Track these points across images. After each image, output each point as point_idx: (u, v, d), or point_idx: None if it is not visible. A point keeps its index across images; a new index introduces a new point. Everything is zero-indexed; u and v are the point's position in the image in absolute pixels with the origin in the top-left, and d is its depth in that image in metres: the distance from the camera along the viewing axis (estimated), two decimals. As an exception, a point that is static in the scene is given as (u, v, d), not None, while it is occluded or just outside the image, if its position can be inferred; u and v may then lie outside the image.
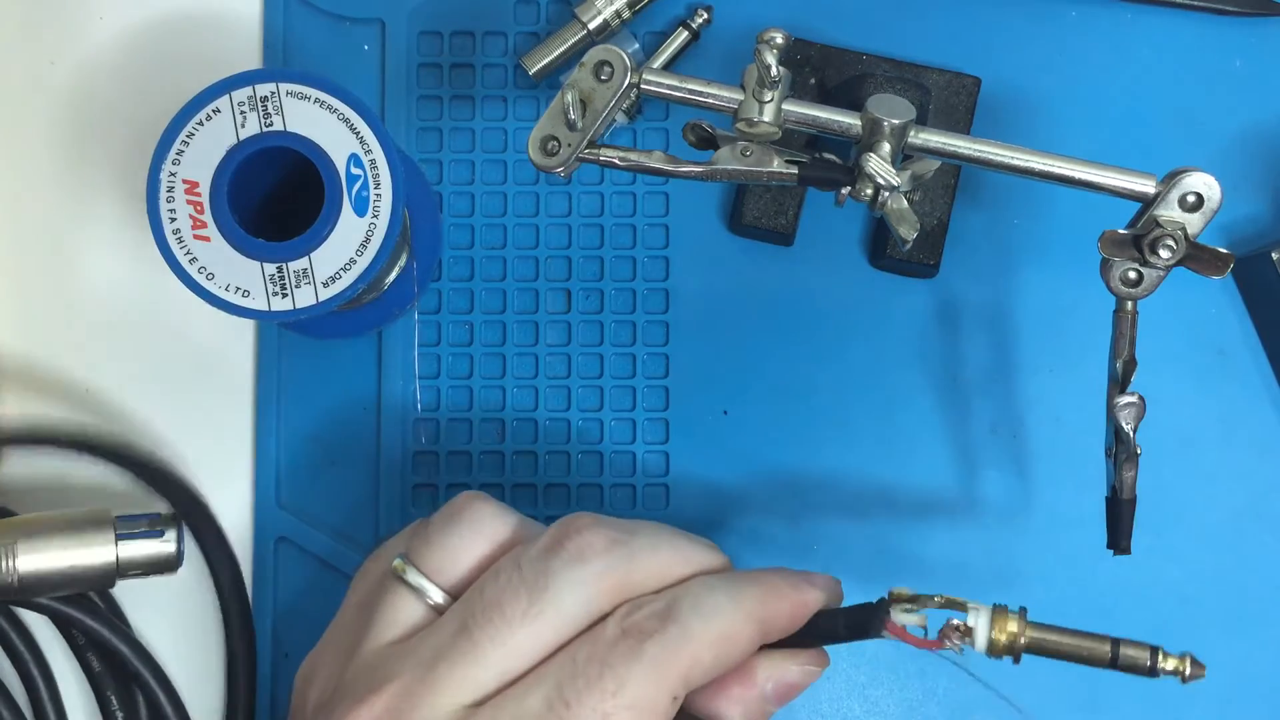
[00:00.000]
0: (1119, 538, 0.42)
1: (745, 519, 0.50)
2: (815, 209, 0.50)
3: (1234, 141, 0.51)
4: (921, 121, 0.47)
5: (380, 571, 0.42)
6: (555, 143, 0.42)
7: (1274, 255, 0.48)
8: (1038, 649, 0.37)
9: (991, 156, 0.42)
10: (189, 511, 0.49)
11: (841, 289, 0.51)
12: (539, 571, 0.38)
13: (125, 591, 0.49)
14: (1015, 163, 0.42)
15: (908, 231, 0.44)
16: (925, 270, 0.50)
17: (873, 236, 0.51)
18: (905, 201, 0.44)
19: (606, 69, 0.41)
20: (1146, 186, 0.41)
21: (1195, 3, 0.51)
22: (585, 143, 0.42)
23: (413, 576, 0.40)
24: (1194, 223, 0.41)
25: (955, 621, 0.37)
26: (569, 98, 0.41)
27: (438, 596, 0.40)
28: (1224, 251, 0.41)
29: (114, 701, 0.48)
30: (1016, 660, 0.37)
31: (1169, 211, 0.41)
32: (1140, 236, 0.41)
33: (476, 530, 0.41)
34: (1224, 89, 0.51)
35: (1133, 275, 0.42)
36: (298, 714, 0.41)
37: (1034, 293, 0.50)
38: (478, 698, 0.37)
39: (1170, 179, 0.41)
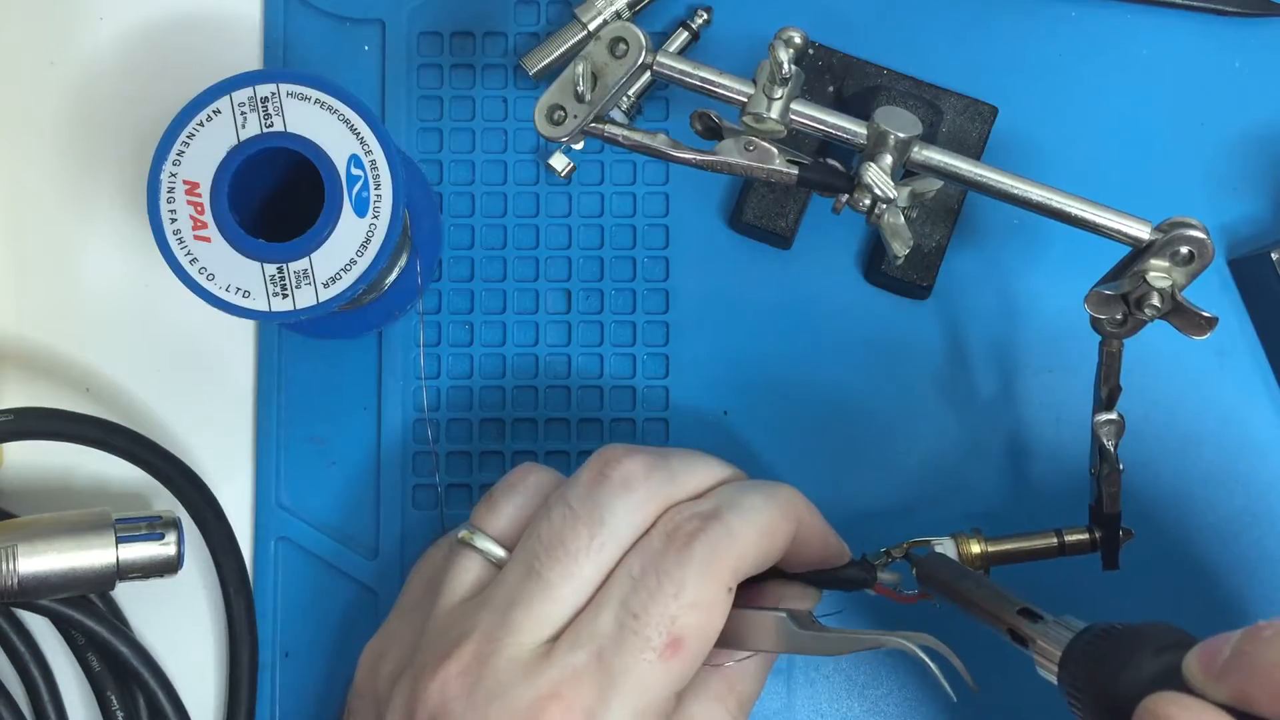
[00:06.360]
0: (1107, 553, 0.42)
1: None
2: (816, 216, 0.50)
3: (1234, 141, 0.51)
4: (930, 140, 0.46)
5: (442, 554, 0.45)
6: (562, 112, 0.42)
7: (1274, 255, 0.48)
8: (1002, 557, 0.45)
9: (990, 182, 0.41)
10: (199, 510, 0.48)
11: (837, 296, 0.50)
12: (592, 505, 0.40)
13: (126, 591, 0.49)
14: (1014, 191, 0.41)
15: (900, 248, 0.44)
16: (917, 291, 0.50)
17: (870, 251, 0.51)
18: (901, 217, 0.44)
19: (622, 45, 0.41)
20: (1142, 232, 0.40)
21: (1195, 3, 0.51)
22: (592, 115, 0.42)
23: (480, 540, 0.42)
24: (1181, 277, 0.40)
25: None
26: (580, 69, 0.41)
27: (502, 553, 0.42)
28: (1207, 315, 0.40)
29: (114, 701, 0.48)
30: (987, 572, 0.44)
31: (1160, 260, 0.40)
32: (1126, 295, 0.40)
33: (538, 494, 0.43)
34: (1224, 89, 0.51)
35: (1119, 317, 0.41)
36: (365, 693, 0.43)
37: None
38: (554, 632, 0.39)
39: (1166, 228, 0.40)
